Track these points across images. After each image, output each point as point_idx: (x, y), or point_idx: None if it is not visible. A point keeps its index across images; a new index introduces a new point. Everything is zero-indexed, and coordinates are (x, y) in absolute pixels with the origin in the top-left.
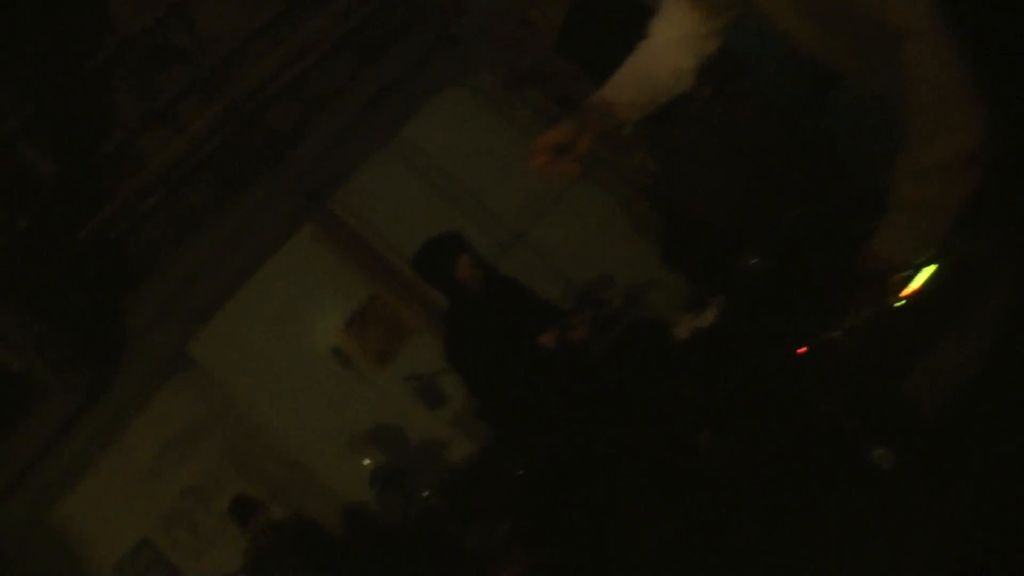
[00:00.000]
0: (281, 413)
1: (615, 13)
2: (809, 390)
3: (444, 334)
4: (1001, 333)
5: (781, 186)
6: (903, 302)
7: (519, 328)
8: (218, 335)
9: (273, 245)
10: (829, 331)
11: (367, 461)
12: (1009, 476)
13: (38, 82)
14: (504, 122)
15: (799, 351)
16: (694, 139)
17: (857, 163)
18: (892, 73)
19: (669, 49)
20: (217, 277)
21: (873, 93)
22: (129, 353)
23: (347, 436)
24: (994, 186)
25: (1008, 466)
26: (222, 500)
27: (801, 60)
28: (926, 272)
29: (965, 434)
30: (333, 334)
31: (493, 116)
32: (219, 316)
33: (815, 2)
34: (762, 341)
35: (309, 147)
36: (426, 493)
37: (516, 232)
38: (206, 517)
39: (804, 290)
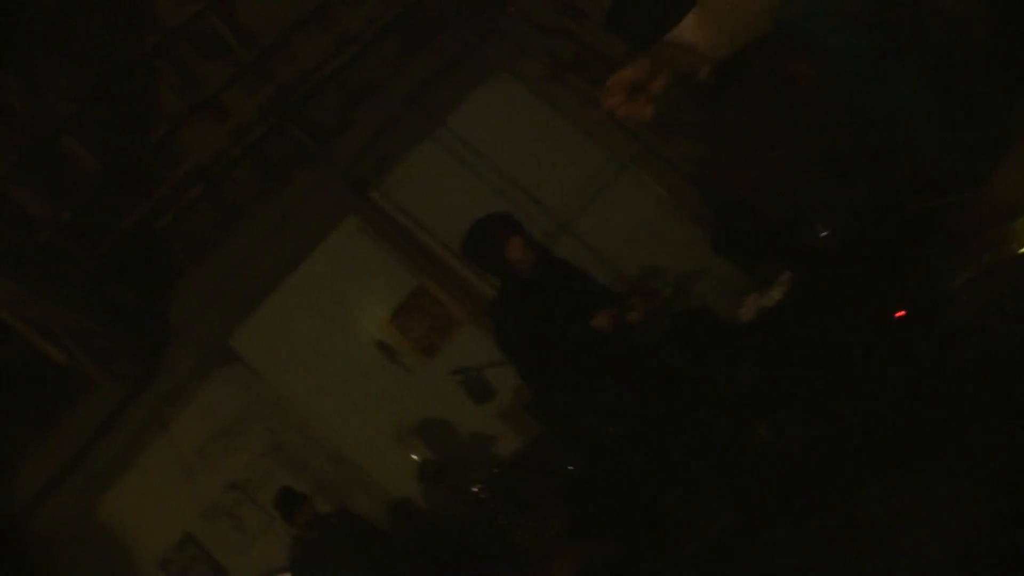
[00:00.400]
0: (326, 406)
1: None
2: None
3: (494, 317)
4: None
5: (840, 166)
6: None
7: (573, 311)
8: (262, 327)
9: (317, 236)
10: (943, 287)
11: (414, 455)
12: None
13: (82, 75)
14: (550, 110)
15: (896, 315)
16: (746, 121)
17: (920, 140)
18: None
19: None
20: (261, 268)
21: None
22: (174, 345)
23: (393, 430)
24: None
25: None
26: (267, 494)
27: (860, 30)
28: None
29: None
30: (378, 326)
31: (539, 104)
32: (263, 308)
33: None
34: (842, 313)
35: (353, 137)
36: (475, 488)
37: (563, 221)
38: (251, 512)
39: (885, 260)
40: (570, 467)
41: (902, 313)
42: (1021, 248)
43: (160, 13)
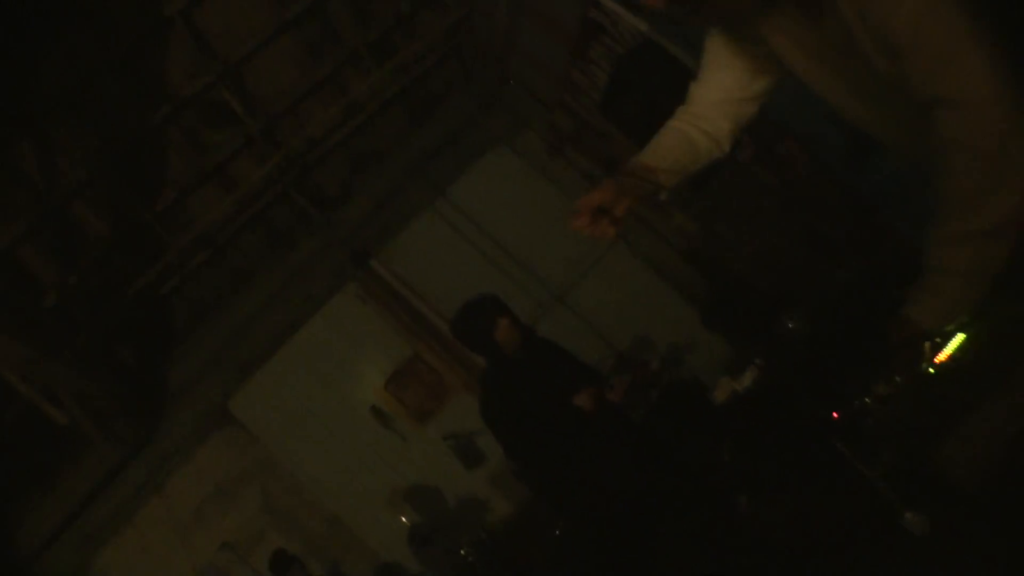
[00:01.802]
0: (320, 470)
1: (658, 77)
2: (844, 454)
3: (480, 395)
4: None
5: (825, 248)
6: (934, 369)
7: (557, 390)
8: (260, 391)
9: (317, 302)
10: (862, 397)
11: (404, 519)
12: None
13: (93, 143)
14: (547, 184)
15: (833, 415)
16: (737, 202)
17: (901, 225)
18: (930, 141)
19: (708, 114)
20: (261, 333)
21: (911, 160)
22: (172, 407)
23: (386, 493)
24: None
25: None
26: (260, 555)
27: (838, 122)
28: (957, 340)
29: (1000, 500)
30: (373, 392)
31: (536, 178)
32: (261, 372)
33: (858, 76)
34: (798, 405)
35: (355, 206)
36: (463, 551)
37: (557, 294)
38: (244, 572)
39: (840, 355)
40: (557, 531)
41: (836, 415)
42: (930, 368)
43: (171, 83)
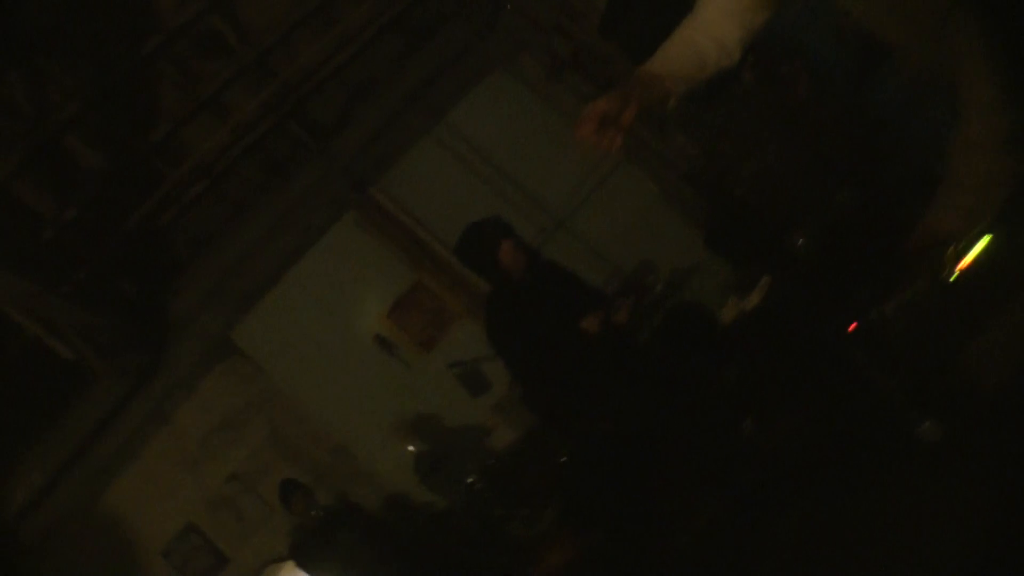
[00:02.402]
0: (325, 399)
1: None
2: (860, 367)
3: (486, 319)
4: None
5: (831, 168)
6: (956, 275)
7: (562, 313)
8: (262, 321)
9: (317, 232)
10: (881, 307)
11: (411, 447)
12: None
13: (86, 74)
14: (547, 108)
15: (849, 328)
16: (740, 123)
17: (910, 143)
18: (944, 44)
19: (717, 21)
20: (261, 263)
21: (924, 68)
22: (176, 339)
23: (391, 422)
24: None
25: None
26: (268, 486)
27: (849, 37)
28: (980, 245)
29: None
30: (376, 321)
31: (536, 102)
32: (263, 302)
33: None
34: (810, 321)
35: (353, 134)
36: (470, 479)
37: (559, 218)
38: (252, 502)
39: (852, 269)
40: (563, 458)
41: (853, 326)
42: (951, 276)
43: (162, 13)
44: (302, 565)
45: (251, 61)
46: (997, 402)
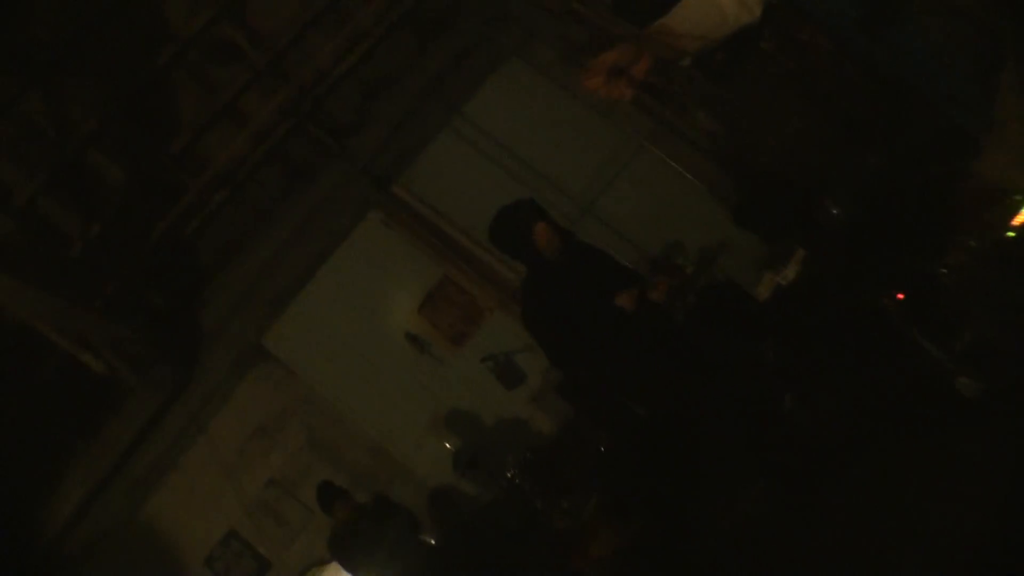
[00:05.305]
0: (360, 400)
1: None
2: (911, 336)
3: (522, 302)
4: None
5: (855, 132)
6: (1015, 232)
7: (598, 292)
8: (293, 325)
9: (342, 232)
10: (933, 270)
11: (448, 444)
12: None
13: (103, 90)
14: (564, 94)
15: (898, 297)
16: (759, 95)
17: (933, 100)
18: None
19: None
20: (289, 267)
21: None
22: (207, 348)
23: (427, 419)
24: None
25: None
26: (307, 489)
27: None
28: None
29: None
30: (407, 318)
31: (553, 89)
32: (293, 306)
33: None
34: (854, 291)
35: (371, 133)
36: (510, 473)
37: (584, 204)
38: (292, 506)
39: (891, 236)
40: (601, 447)
41: (901, 296)
42: (1009, 231)
43: (174, 24)
44: (345, 566)
45: (265, 65)
46: None
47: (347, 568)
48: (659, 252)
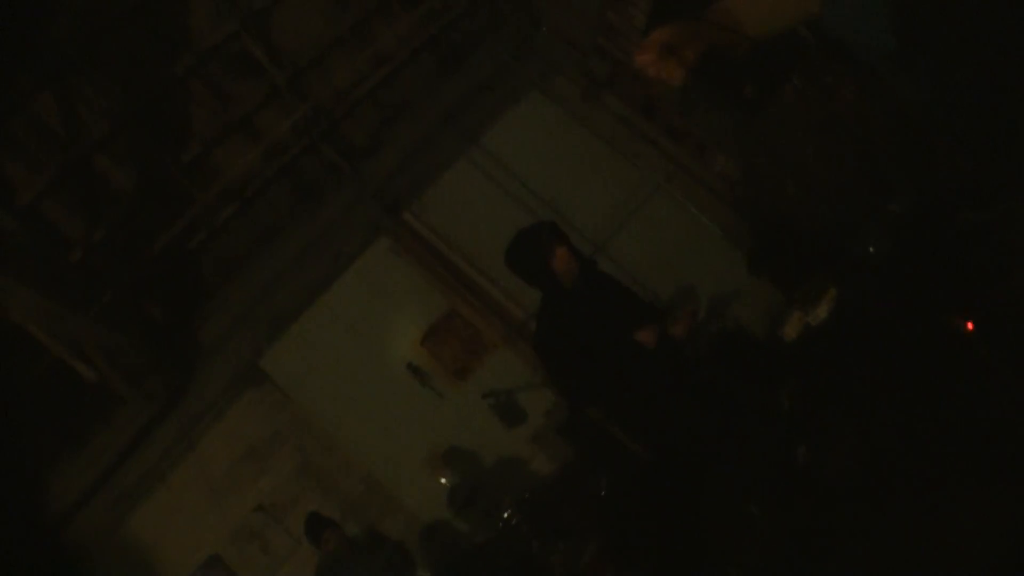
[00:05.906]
0: (356, 429)
1: None
2: (987, 364)
3: (536, 328)
4: None
5: (881, 178)
6: None
7: (615, 324)
8: (293, 348)
9: (349, 257)
10: (996, 297)
11: (444, 480)
12: None
13: (117, 95)
14: (583, 130)
15: (968, 327)
16: (784, 136)
17: (960, 139)
18: None
19: None
20: (292, 288)
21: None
22: (203, 364)
23: (424, 453)
24: None
25: None
26: (295, 517)
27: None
28: None
29: None
30: (409, 349)
31: (572, 124)
32: (294, 328)
33: None
34: (896, 326)
35: (386, 158)
36: (507, 513)
37: (597, 242)
38: (278, 534)
39: (934, 270)
40: (602, 492)
41: (971, 325)
42: None
43: (195, 33)
44: None
45: (283, 82)
46: None
47: None
48: (671, 295)
